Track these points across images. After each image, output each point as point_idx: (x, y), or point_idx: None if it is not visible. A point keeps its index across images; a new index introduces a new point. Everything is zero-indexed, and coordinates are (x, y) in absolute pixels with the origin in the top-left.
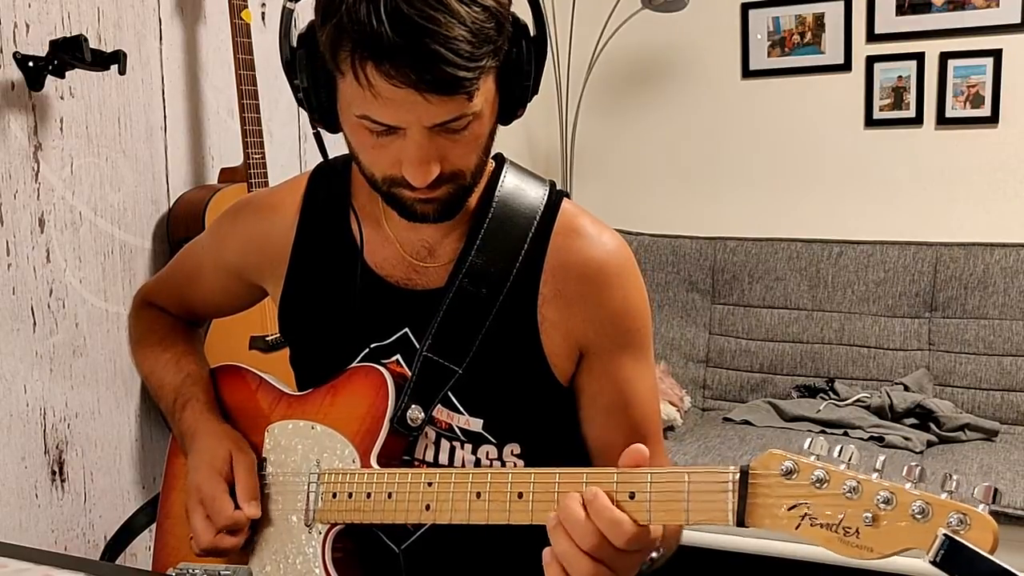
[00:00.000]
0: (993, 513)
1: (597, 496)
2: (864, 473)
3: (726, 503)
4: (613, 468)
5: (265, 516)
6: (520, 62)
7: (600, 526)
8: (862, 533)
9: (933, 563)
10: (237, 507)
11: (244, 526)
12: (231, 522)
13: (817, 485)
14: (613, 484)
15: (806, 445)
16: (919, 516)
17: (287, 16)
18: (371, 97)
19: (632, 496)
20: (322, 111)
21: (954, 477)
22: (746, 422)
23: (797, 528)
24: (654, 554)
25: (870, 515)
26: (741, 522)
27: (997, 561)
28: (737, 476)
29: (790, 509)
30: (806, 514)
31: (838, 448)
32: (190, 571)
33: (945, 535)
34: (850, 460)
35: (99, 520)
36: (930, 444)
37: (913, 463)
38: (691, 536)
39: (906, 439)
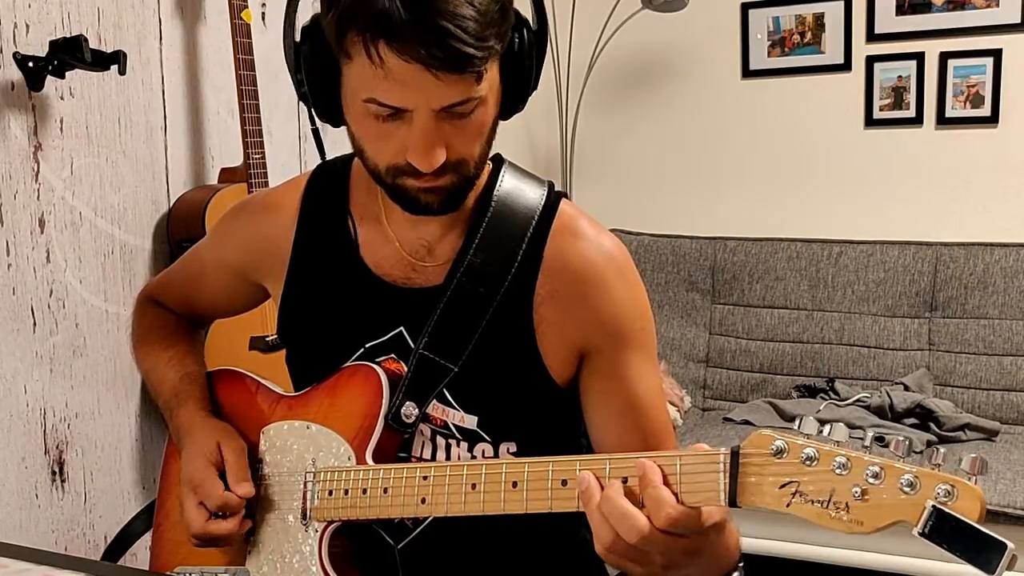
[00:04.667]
0: (993, 513)
1: (647, 470)
2: (853, 450)
3: (718, 483)
4: (605, 455)
5: (262, 517)
6: (522, 54)
7: (645, 501)
8: (852, 508)
9: (922, 534)
10: (228, 490)
11: (237, 509)
12: (221, 502)
13: (807, 463)
14: (606, 470)
15: (796, 425)
16: (907, 489)
17: (292, 7)
18: (381, 77)
19: (625, 481)
20: (326, 103)
21: (941, 450)
22: (746, 422)
23: (788, 506)
24: (736, 574)
25: (859, 490)
26: (733, 502)
27: (984, 529)
28: (728, 457)
29: (781, 487)
30: (797, 491)
31: (828, 427)
32: (188, 574)
33: (933, 506)
34: (839, 438)
35: (99, 520)
36: (930, 444)
37: (901, 437)
38: None
39: (906, 439)
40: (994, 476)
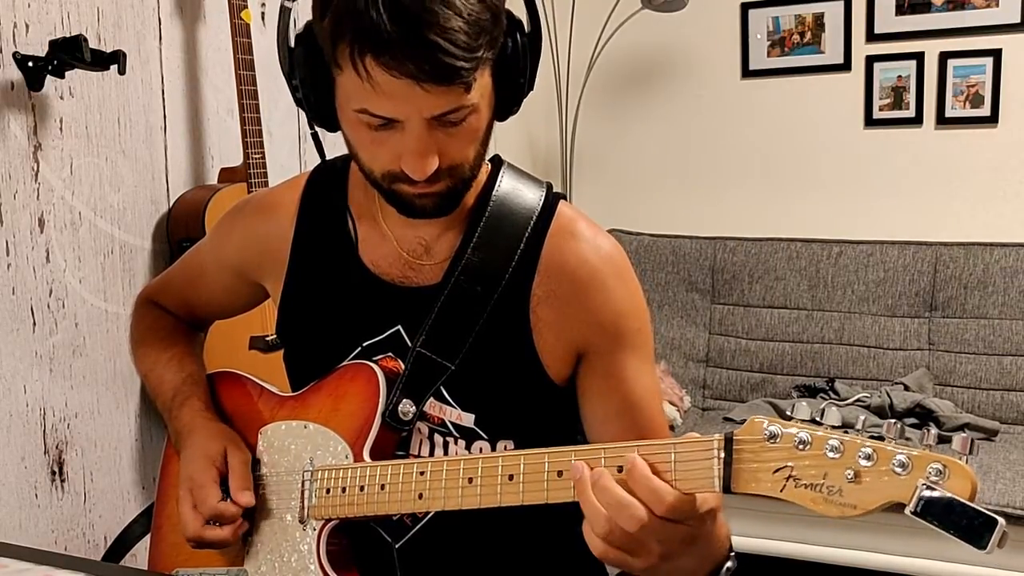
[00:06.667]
0: (993, 512)
1: (636, 465)
2: (846, 433)
3: (712, 470)
4: (600, 444)
5: (260, 517)
6: (516, 57)
7: (640, 495)
8: (845, 491)
9: (914, 513)
10: (225, 499)
11: (231, 519)
12: (215, 512)
13: (800, 447)
14: (601, 459)
15: (789, 411)
16: (899, 470)
17: (285, 15)
18: (370, 90)
19: (620, 470)
20: (321, 109)
21: (931, 431)
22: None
23: (782, 490)
24: (729, 563)
25: (852, 472)
26: (728, 488)
27: (975, 506)
28: (722, 443)
29: (775, 472)
30: (790, 476)
31: (820, 411)
32: None
33: (925, 486)
34: (832, 423)
35: (99, 520)
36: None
37: (892, 420)
38: None
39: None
40: (994, 476)
